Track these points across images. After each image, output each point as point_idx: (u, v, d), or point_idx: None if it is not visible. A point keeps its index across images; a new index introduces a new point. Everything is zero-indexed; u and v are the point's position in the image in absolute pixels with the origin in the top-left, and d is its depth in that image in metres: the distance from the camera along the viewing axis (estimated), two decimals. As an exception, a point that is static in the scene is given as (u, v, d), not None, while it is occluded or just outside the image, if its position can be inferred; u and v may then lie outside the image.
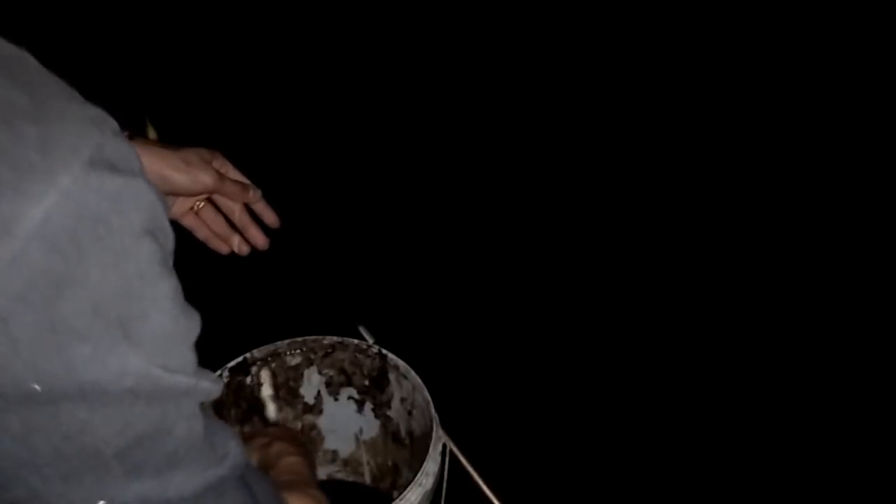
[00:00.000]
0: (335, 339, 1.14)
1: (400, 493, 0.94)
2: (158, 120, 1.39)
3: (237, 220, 0.92)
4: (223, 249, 0.94)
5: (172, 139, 0.85)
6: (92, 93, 0.46)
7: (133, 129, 0.77)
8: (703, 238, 2.13)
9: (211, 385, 0.47)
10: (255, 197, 0.91)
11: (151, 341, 0.42)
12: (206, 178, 0.83)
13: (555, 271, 2.09)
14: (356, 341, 1.14)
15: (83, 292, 0.38)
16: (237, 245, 0.94)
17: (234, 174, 0.90)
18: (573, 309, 1.99)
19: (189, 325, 0.45)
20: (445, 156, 2.42)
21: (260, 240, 0.93)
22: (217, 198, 0.90)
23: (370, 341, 1.14)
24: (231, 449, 0.49)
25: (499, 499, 1.03)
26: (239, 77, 2.55)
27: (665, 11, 2.70)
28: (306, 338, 1.14)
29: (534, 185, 2.33)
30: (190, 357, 0.46)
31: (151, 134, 1.40)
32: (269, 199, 0.94)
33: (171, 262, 0.44)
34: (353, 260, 2.05)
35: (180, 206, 0.89)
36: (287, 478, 0.81)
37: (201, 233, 0.92)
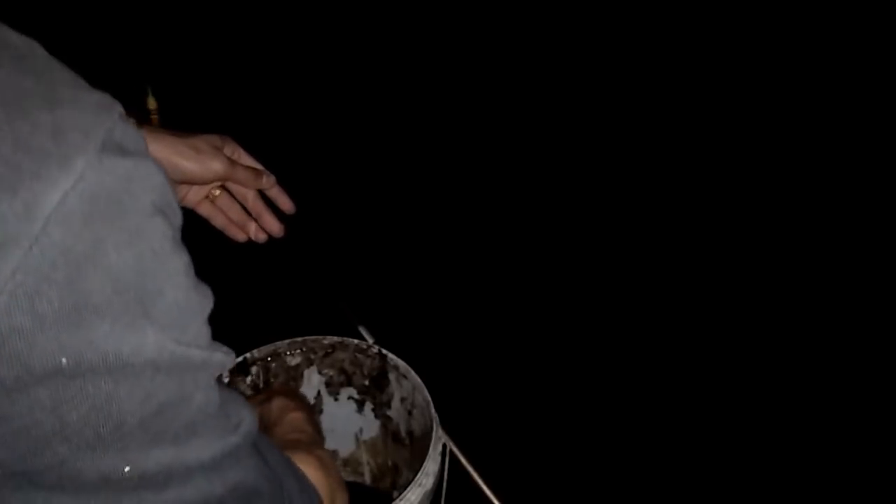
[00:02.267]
0: (335, 339, 1.14)
1: (400, 493, 0.94)
2: (159, 89, 1.38)
3: (251, 206, 0.91)
4: (240, 237, 0.93)
5: (173, 108, 0.84)
6: (95, 62, 0.46)
7: (135, 102, 0.76)
8: (703, 238, 2.13)
9: (224, 357, 0.48)
10: (268, 183, 0.90)
11: (167, 316, 0.43)
12: (216, 165, 0.82)
13: (554, 272, 2.09)
14: (356, 341, 1.13)
15: (102, 271, 0.40)
16: (254, 232, 0.92)
17: (246, 160, 0.89)
18: (573, 309, 1.99)
19: (202, 300, 0.47)
20: (446, 157, 2.42)
21: (275, 226, 0.92)
22: (230, 184, 0.89)
23: (370, 341, 1.14)
24: (245, 417, 0.51)
25: (499, 499, 1.03)
26: (240, 57, 2.55)
27: (665, 12, 2.70)
28: (306, 338, 1.14)
29: (534, 187, 2.33)
30: (204, 330, 0.47)
31: (152, 103, 1.39)
32: (268, 200, 0.93)
33: (180, 239, 0.45)
34: (353, 260, 2.05)
35: (195, 195, 0.89)
36: (292, 436, 0.80)
37: (218, 220, 0.91)
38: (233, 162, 0.85)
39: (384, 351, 1.11)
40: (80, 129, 0.40)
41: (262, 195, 0.92)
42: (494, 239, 2.16)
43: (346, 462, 1.27)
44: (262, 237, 0.93)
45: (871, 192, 2.20)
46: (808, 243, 2.09)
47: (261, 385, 1.15)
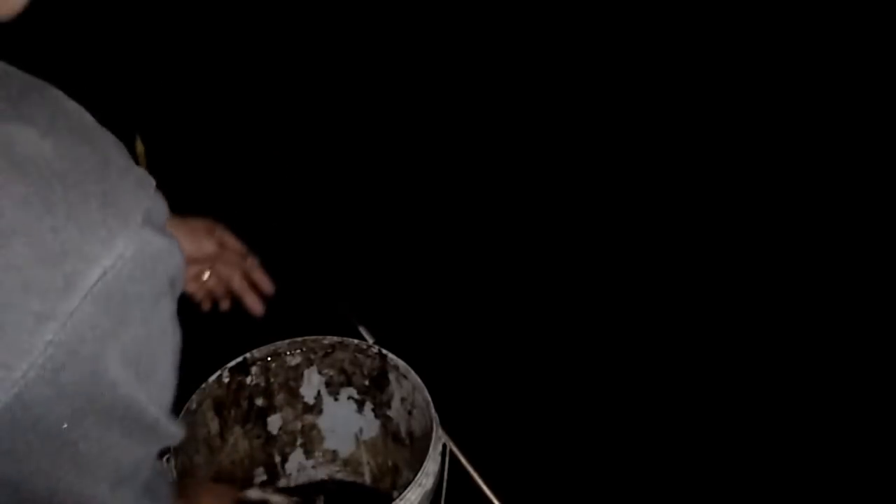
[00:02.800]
0: (335, 339, 1.14)
1: (400, 493, 0.94)
2: (147, 135, 1.40)
3: (236, 286, 0.95)
4: (216, 306, 0.97)
5: (161, 154, 0.87)
6: (84, 107, 0.47)
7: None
8: (703, 238, 2.13)
9: (179, 431, 0.51)
10: (252, 265, 0.95)
11: (157, 390, 0.46)
12: (209, 246, 0.88)
13: (554, 271, 2.09)
14: (356, 341, 1.14)
15: (120, 346, 0.41)
16: (226, 305, 0.98)
17: (233, 243, 0.93)
18: (573, 309, 1.99)
19: (175, 380, 0.49)
20: (445, 156, 2.42)
21: (256, 307, 0.96)
22: (216, 266, 0.93)
23: (370, 341, 1.14)
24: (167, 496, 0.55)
25: (499, 499, 1.03)
26: (231, 81, 2.55)
27: (665, 12, 2.70)
28: (306, 338, 1.14)
29: (534, 186, 2.33)
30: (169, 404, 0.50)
31: (139, 148, 1.41)
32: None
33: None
34: (353, 260, 2.05)
35: (185, 275, 0.92)
36: None
37: (200, 295, 0.95)
38: (222, 244, 0.90)
39: (384, 351, 1.11)
40: (125, 205, 0.41)
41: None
42: (494, 239, 2.16)
43: (346, 462, 1.27)
44: (226, 306, 0.98)
45: (872, 192, 2.20)
46: (808, 243, 2.09)
47: (262, 385, 1.15)
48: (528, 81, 2.64)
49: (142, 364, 0.43)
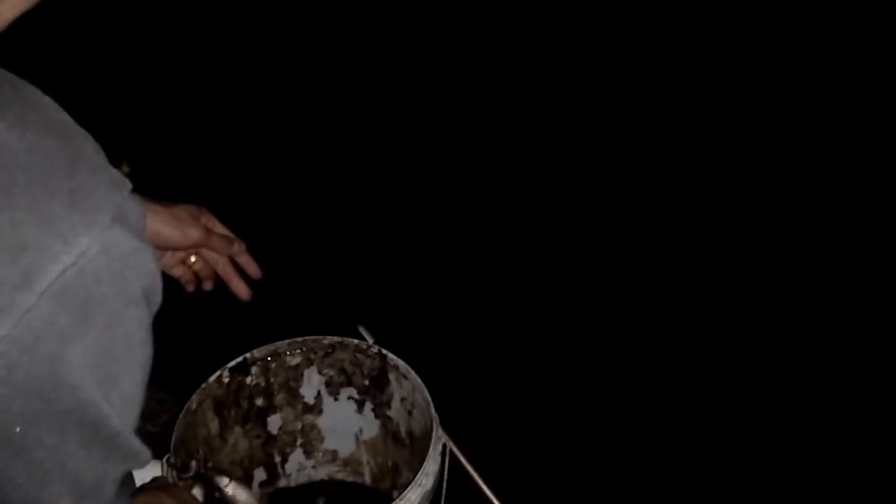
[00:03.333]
0: (335, 339, 1.14)
1: (400, 493, 0.94)
2: (133, 155, 1.40)
3: (221, 271, 0.95)
4: (207, 287, 0.97)
5: (147, 174, 0.88)
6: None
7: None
8: (703, 238, 2.13)
9: (148, 455, 0.49)
10: (239, 250, 0.95)
11: (120, 401, 0.44)
12: (195, 233, 0.87)
13: (554, 272, 2.09)
14: (356, 341, 1.14)
15: (81, 349, 0.40)
16: (209, 286, 0.97)
17: (220, 229, 0.94)
18: (573, 309, 1.99)
19: (142, 396, 0.48)
20: (445, 157, 2.42)
21: (243, 291, 0.96)
22: (204, 251, 0.94)
23: (370, 341, 1.14)
24: None
25: (499, 499, 1.03)
26: (232, 78, 2.55)
27: (665, 11, 2.70)
28: (306, 338, 1.14)
29: (534, 186, 2.33)
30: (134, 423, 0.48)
31: (125, 169, 1.42)
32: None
33: (151, 327, 0.46)
34: (353, 260, 2.05)
35: (171, 259, 0.93)
36: None
37: (187, 278, 0.95)
38: (208, 230, 0.90)
39: (384, 351, 1.11)
40: (93, 203, 0.40)
41: (233, 261, 0.97)
42: (494, 239, 2.16)
43: (346, 462, 1.27)
44: (208, 287, 0.98)
45: (872, 192, 2.20)
46: (808, 243, 2.09)
47: (262, 385, 1.15)
48: (527, 82, 2.64)
49: (104, 371, 0.42)
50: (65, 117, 0.44)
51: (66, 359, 0.39)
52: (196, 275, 0.95)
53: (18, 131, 0.39)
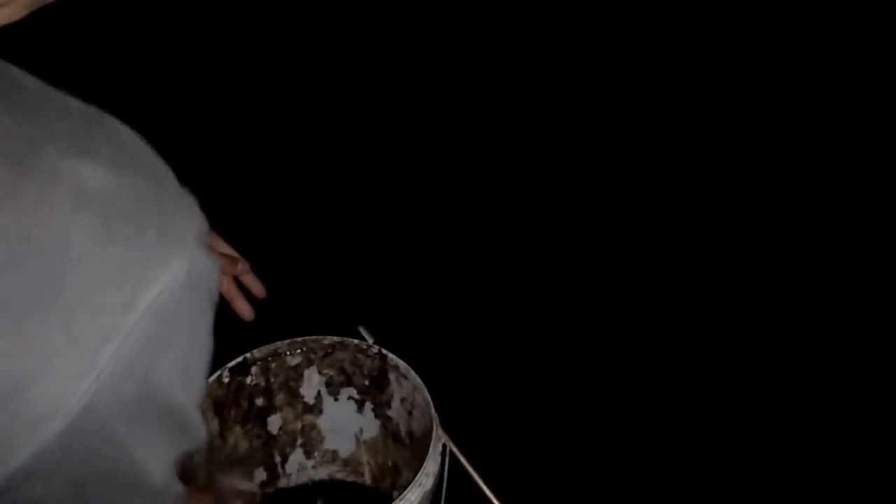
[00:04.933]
0: (335, 339, 1.14)
1: (400, 493, 0.94)
2: (145, 133, 1.39)
3: (225, 291, 0.96)
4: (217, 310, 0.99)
5: (160, 153, 0.87)
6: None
7: None
8: (704, 238, 2.13)
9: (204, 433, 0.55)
10: (243, 270, 0.97)
11: (196, 395, 0.51)
12: None
13: (555, 271, 2.09)
14: (356, 341, 1.14)
15: (170, 357, 0.46)
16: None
17: (223, 248, 0.95)
18: (573, 309, 1.99)
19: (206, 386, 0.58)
20: (445, 157, 2.42)
21: (247, 311, 0.98)
22: None
23: (370, 341, 1.14)
24: None
25: (499, 499, 1.03)
26: (228, 80, 2.55)
27: (665, 11, 2.70)
28: (306, 338, 1.14)
29: (534, 186, 2.33)
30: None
31: None
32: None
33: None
34: (352, 260, 2.05)
35: None
36: None
37: None
38: (211, 249, 0.89)
39: (384, 351, 1.11)
40: (179, 230, 0.46)
41: (237, 281, 0.97)
42: (494, 239, 2.16)
43: (346, 462, 1.27)
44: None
45: (872, 192, 2.20)
46: (808, 243, 2.09)
47: (262, 385, 1.15)
48: (527, 82, 2.64)
49: (186, 373, 0.48)
50: (145, 149, 0.50)
51: (158, 368, 0.45)
52: None
53: (115, 173, 0.45)
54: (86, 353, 0.42)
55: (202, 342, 0.49)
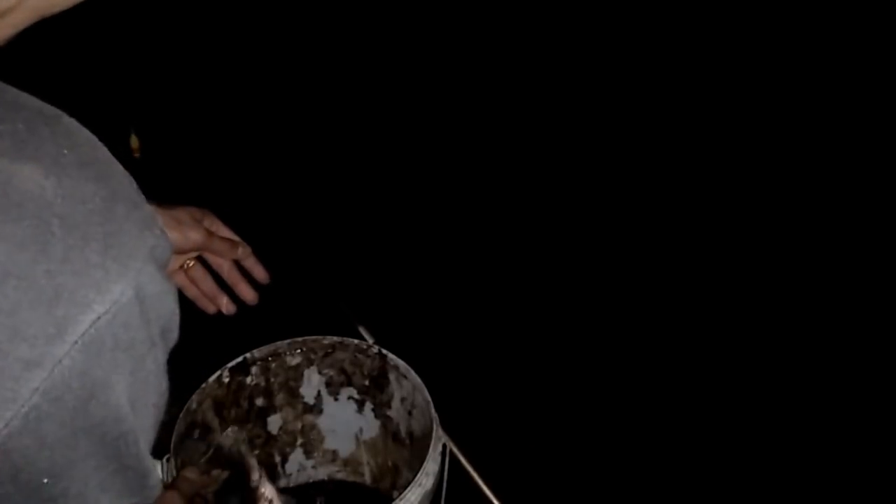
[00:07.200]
0: (335, 339, 1.14)
1: (400, 493, 0.94)
2: (142, 129, 1.39)
3: (226, 276, 0.93)
4: (210, 309, 0.94)
5: (156, 148, 0.86)
6: (78, 102, 0.46)
7: (118, 141, 0.77)
8: (703, 238, 2.13)
9: (159, 489, 0.48)
10: (244, 254, 0.93)
11: (143, 439, 0.44)
12: (195, 236, 0.84)
13: (554, 271, 2.09)
14: (356, 341, 1.14)
15: (107, 398, 0.39)
16: (225, 305, 0.94)
17: (223, 231, 0.91)
18: (573, 309, 1.99)
19: (155, 433, 0.48)
20: (445, 157, 2.42)
21: (249, 295, 0.94)
22: (207, 255, 0.91)
23: (370, 341, 1.14)
24: None
25: (499, 499, 1.03)
26: (227, 80, 2.55)
27: (665, 11, 2.70)
28: (306, 338, 1.14)
29: (533, 186, 2.33)
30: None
31: (134, 142, 1.39)
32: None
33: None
34: (353, 260, 2.05)
35: (171, 265, 0.91)
36: None
37: (190, 292, 0.92)
38: (210, 233, 0.87)
39: (384, 351, 1.11)
40: (128, 247, 0.39)
41: (238, 265, 0.94)
42: (494, 239, 2.16)
43: (346, 462, 1.27)
44: (231, 309, 0.95)
45: (872, 193, 2.20)
46: (808, 243, 2.10)
47: (262, 385, 1.15)
48: (527, 82, 2.64)
49: (129, 419, 0.42)
50: (100, 153, 0.43)
51: (93, 408, 0.39)
52: (198, 287, 0.92)
53: (55, 178, 0.39)
54: (3, 385, 0.35)
55: (151, 382, 0.42)
